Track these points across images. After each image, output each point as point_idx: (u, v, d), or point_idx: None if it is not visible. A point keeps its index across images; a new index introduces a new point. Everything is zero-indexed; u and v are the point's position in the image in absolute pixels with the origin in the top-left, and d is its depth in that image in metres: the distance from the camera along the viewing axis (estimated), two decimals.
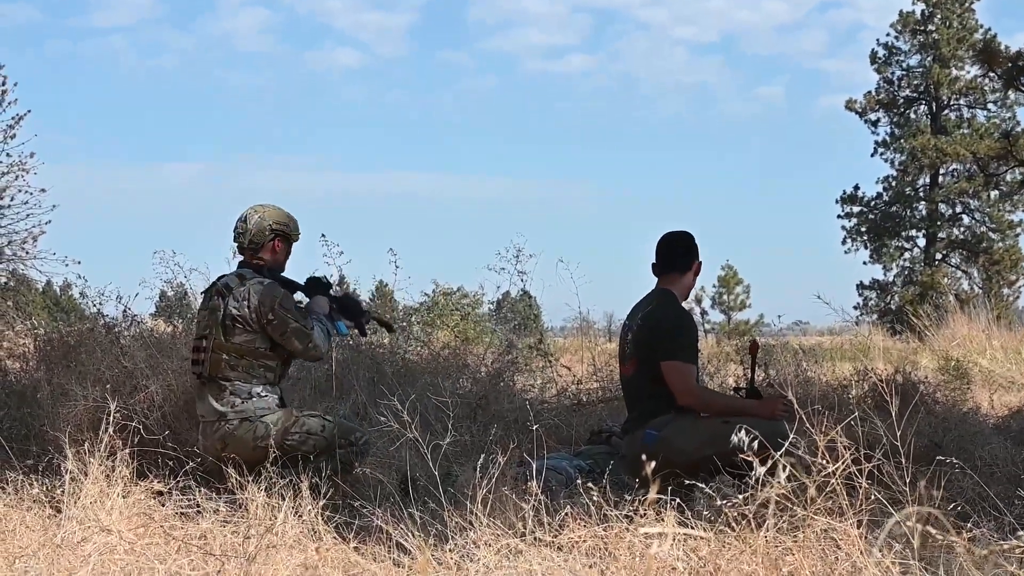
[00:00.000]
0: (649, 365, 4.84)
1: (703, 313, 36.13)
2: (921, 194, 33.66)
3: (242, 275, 4.99)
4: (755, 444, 3.57)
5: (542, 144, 62.66)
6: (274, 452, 4.53)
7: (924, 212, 33.58)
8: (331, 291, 5.31)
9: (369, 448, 5.04)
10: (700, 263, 5.01)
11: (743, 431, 3.70)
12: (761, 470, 3.03)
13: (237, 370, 4.86)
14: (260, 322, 4.84)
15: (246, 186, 57.76)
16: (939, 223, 33.23)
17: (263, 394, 4.86)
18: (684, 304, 5.09)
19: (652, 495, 2.71)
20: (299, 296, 5.14)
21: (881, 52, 34.04)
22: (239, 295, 4.88)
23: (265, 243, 5.00)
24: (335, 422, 4.95)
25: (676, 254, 4.99)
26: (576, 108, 62.65)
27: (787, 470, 2.99)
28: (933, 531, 2.41)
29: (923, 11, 33.41)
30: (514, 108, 64.00)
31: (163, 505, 4.18)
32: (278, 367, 4.98)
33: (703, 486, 3.45)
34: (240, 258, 5.09)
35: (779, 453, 3.01)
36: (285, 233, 5.04)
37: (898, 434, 3.22)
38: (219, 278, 5.06)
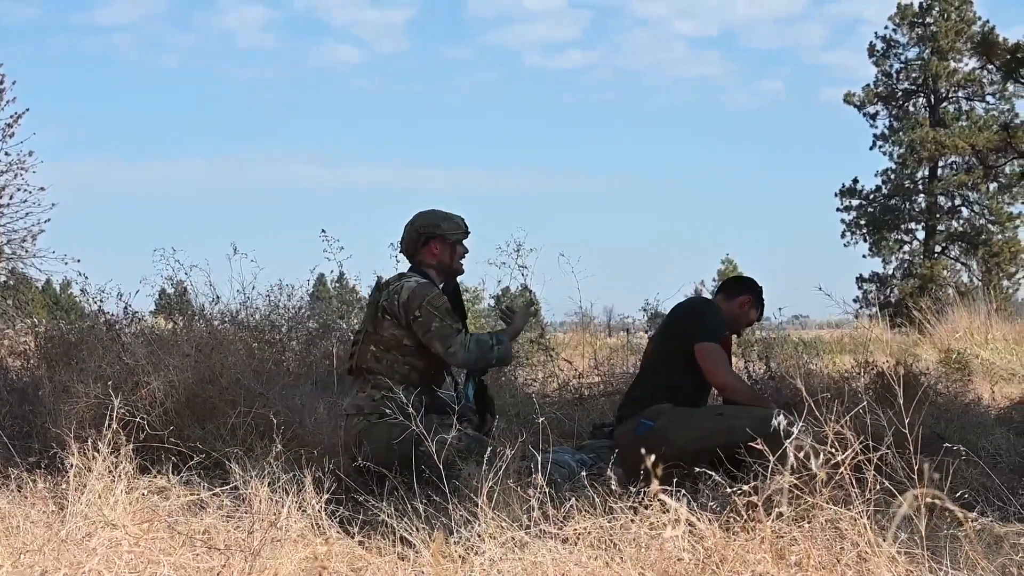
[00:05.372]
0: (669, 348, 4.93)
1: None
2: (920, 187, 33.69)
3: (403, 273, 5.05)
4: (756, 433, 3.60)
5: (543, 138, 62.79)
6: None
7: (923, 205, 33.60)
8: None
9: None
10: (746, 299, 5.15)
11: (781, 415, 3.77)
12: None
13: (382, 363, 4.86)
14: (407, 318, 4.82)
15: (248, 183, 57.83)
16: (938, 216, 33.27)
17: (404, 394, 4.47)
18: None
19: (655, 487, 2.70)
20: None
21: (879, 45, 34.07)
22: (392, 288, 4.90)
23: (419, 248, 5.01)
24: (473, 436, 4.73)
25: (731, 281, 5.38)
26: (576, 102, 62.71)
27: (791, 459, 2.98)
28: (954, 507, 2.40)
29: (921, 3, 33.44)
30: (515, 102, 64.04)
31: (166, 500, 4.17)
32: (425, 369, 4.90)
33: (712, 474, 3.44)
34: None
35: (788, 441, 3.00)
36: (436, 234, 4.99)
37: (906, 422, 3.22)
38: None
